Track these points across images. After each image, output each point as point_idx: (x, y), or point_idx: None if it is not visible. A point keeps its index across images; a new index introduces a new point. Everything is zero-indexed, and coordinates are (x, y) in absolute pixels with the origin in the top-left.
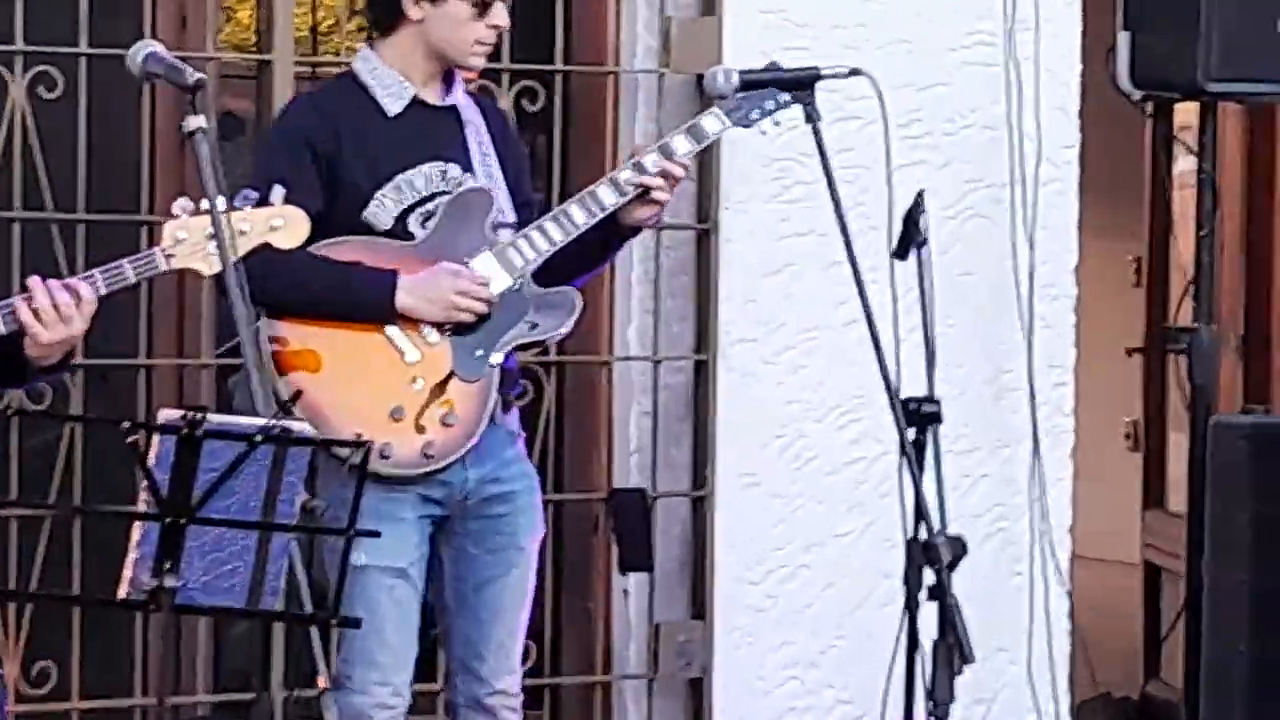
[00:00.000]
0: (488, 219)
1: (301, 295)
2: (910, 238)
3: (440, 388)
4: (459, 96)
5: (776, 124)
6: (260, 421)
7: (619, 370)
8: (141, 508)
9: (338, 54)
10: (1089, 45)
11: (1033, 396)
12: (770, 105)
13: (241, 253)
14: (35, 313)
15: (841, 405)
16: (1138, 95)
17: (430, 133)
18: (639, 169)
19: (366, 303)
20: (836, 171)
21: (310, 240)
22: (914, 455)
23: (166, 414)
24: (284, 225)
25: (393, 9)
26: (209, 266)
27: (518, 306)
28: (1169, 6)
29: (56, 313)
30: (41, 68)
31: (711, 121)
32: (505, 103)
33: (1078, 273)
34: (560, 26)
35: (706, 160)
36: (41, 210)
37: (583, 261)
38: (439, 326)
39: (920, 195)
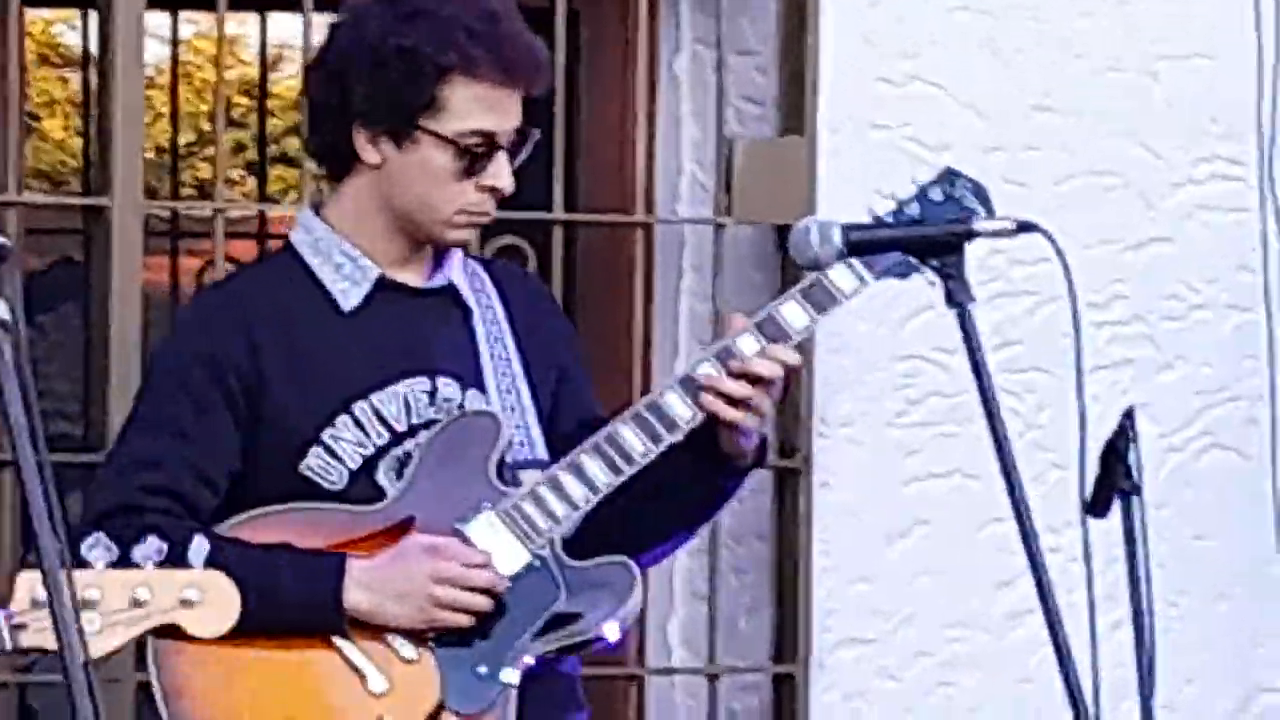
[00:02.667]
0: (491, 459)
1: None
2: (1113, 483)
3: None
4: (455, 270)
5: (932, 284)
6: None
7: (655, 686)
8: None
9: (204, 190)
10: None
11: None
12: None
13: (129, 636)
14: None
15: None
16: None
17: (410, 332)
18: (722, 360)
19: (298, 607)
20: (998, 378)
21: (221, 515)
22: None
23: None
24: (202, 601)
25: (341, 146)
26: (90, 647)
27: (541, 593)
28: None
29: None
30: None
31: (843, 276)
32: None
33: None
34: (558, 157)
35: None
36: None
37: (665, 515)
38: (417, 635)
39: (1129, 415)
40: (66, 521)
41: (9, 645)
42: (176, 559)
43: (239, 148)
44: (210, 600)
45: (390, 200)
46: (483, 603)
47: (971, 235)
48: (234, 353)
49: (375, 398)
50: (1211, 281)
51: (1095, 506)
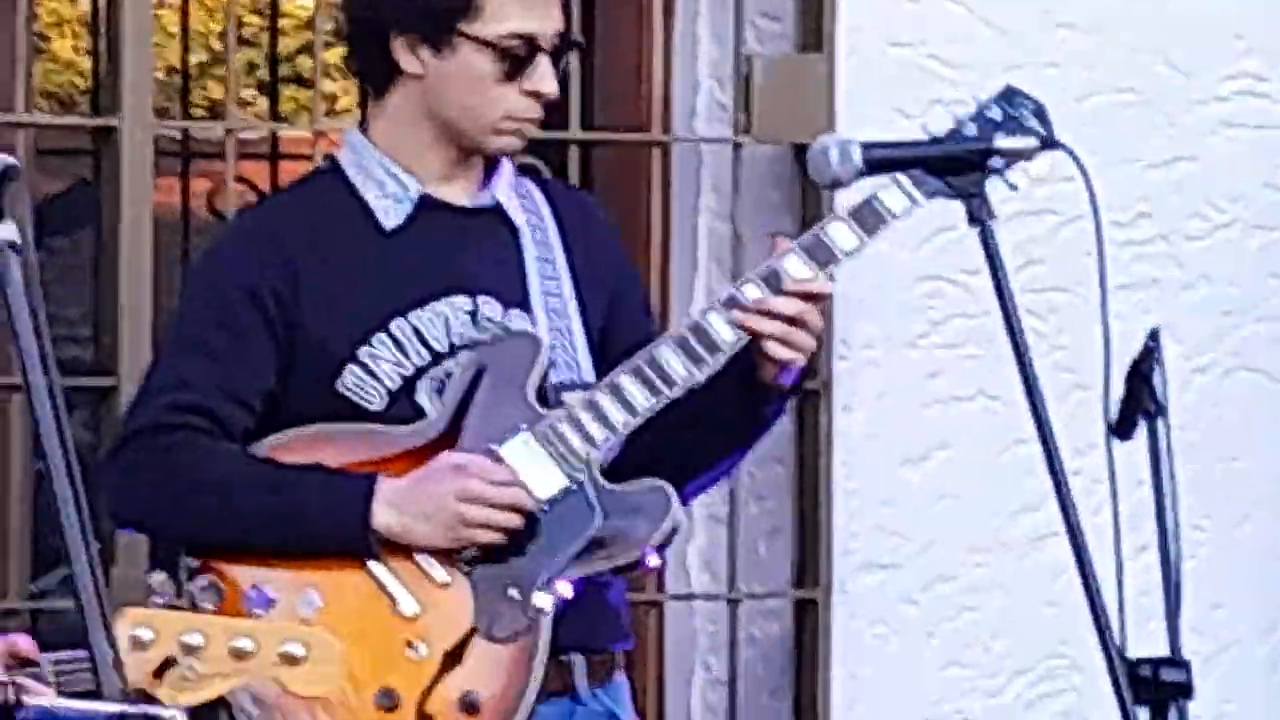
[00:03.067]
0: (531, 380)
1: (227, 524)
2: (1138, 404)
3: (455, 655)
4: (502, 189)
5: (1013, 188)
6: (110, 707)
7: (674, 612)
8: None
9: (215, 111)
10: None
11: None
12: (998, 161)
13: (224, 689)
14: None
15: (1030, 669)
16: None
17: (452, 250)
18: (768, 282)
19: (327, 527)
20: (1021, 297)
21: (258, 435)
22: None
23: None
24: (307, 657)
25: (381, 59)
26: (179, 694)
27: (577, 516)
28: None
29: None
30: None
31: (893, 196)
32: None
33: None
34: (577, 77)
35: None
36: None
37: (705, 444)
38: (450, 556)
39: (1154, 336)
40: (76, 445)
41: (122, 685)
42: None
43: (250, 67)
44: (314, 657)
45: (434, 110)
46: (512, 520)
47: (992, 153)
48: (270, 273)
49: (414, 316)
50: (1236, 199)
51: (1120, 428)
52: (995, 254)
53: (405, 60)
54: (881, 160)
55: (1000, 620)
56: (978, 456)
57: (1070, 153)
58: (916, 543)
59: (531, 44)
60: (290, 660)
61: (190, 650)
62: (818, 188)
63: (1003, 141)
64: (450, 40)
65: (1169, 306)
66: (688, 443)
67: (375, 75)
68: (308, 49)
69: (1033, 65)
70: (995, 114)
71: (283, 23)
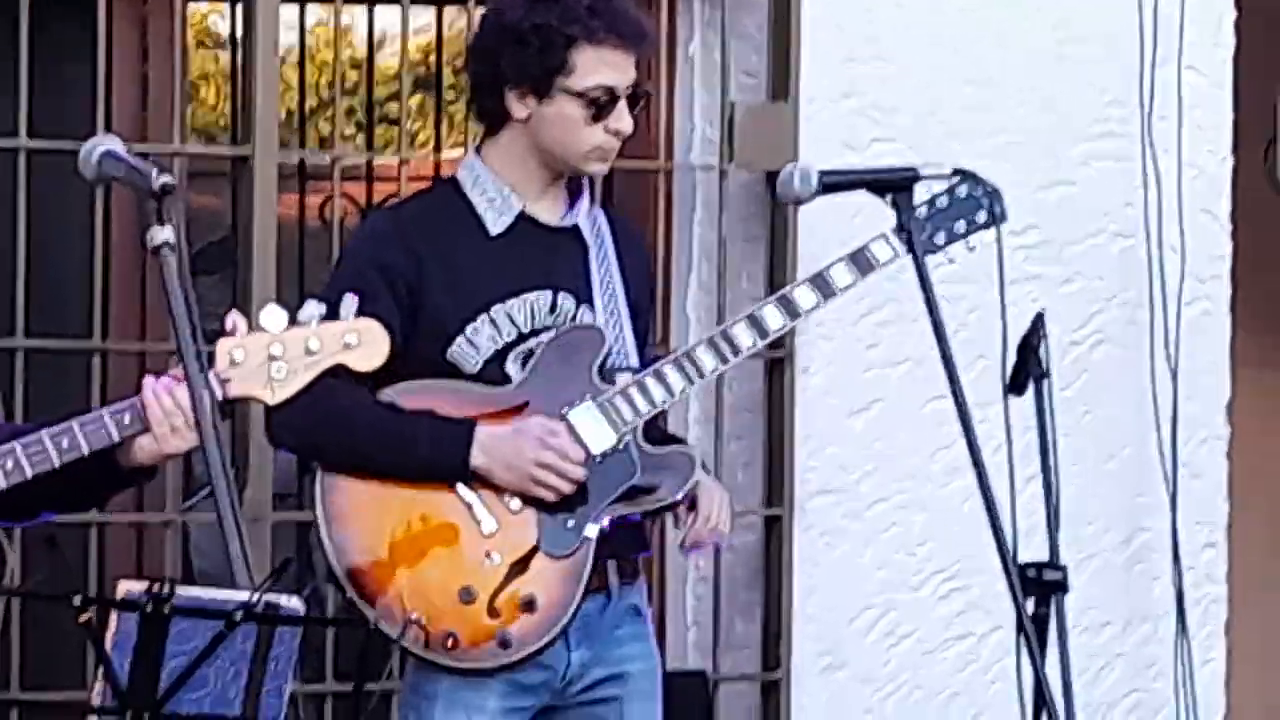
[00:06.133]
0: (595, 362)
1: (357, 450)
2: (1027, 369)
3: (521, 565)
4: (581, 216)
5: (971, 249)
6: (241, 596)
7: (671, 529)
8: (96, 700)
9: (324, 143)
10: (1242, 135)
11: (1177, 560)
12: (962, 227)
13: (309, 377)
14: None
15: (944, 571)
16: None
17: (540, 256)
18: (784, 306)
19: (434, 460)
20: (937, 288)
21: (378, 386)
22: (1033, 632)
23: (127, 586)
24: (359, 343)
25: (495, 105)
26: (273, 393)
27: (621, 469)
28: None
29: (184, 420)
30: None
31: (882, 249)
32: None
33: (1231, 410)
34: None
35: (779, 274)
36: None
37: None
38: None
39: (1039, 318)
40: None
41: (220, 396)
42: (332, 316)
43: (350, 111)
44: (365, 341)
45: (538, 145)
46: (567, 488)
47: (919, 178)
48: (401, 261)
49: (509, 303)
50: (1104, 214)
51: (1013, 388)
52: (918, 253)
53: (515, 108)
54: (833, 183)
55: (921, 533)
56: (905, 409)
57: (976, 178)
58: (858, 473)
59: (612, 93)
60: (348, 348)
61: (274, 358)
62: (784, 204)
63: (926, 170)
64: (550, 92)
65: (1051, 296)
66: None
67: (490, 118)
68: (395, 96)
69: (949, 111)
70: (961, 192)
71: (376, 77)
